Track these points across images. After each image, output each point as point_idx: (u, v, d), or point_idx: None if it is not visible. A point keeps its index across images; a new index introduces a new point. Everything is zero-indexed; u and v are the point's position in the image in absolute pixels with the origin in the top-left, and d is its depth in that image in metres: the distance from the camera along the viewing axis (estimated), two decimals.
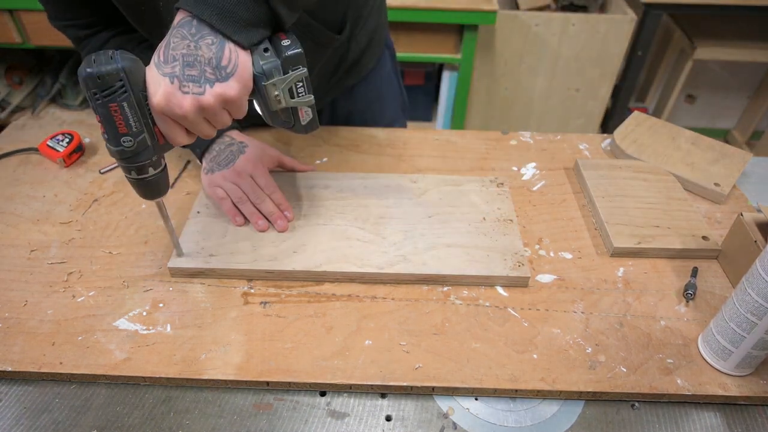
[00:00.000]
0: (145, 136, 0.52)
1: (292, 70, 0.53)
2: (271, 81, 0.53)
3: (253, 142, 0.79)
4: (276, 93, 0.54)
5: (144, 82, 0.51)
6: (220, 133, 0.78)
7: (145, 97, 0.51)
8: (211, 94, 0.50)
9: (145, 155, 0.54)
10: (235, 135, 0.80)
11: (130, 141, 0.52)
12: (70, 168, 0.86)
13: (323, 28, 0.79)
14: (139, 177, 0.55)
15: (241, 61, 0.51)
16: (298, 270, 0.67)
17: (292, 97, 0.55)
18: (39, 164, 0.87)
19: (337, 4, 0.80)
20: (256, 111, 0.59)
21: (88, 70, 0.48)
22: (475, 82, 2.05)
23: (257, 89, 0.54)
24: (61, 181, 0.84)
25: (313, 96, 0.56)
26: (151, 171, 0.56)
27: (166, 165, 0.58)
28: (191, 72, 0.50)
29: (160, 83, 0.50)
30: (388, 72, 1.02)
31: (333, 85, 0.93)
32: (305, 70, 0.54)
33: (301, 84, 0.55)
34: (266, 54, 0.53)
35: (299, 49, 0.53)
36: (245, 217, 0.74)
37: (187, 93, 0.50)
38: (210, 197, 0.76)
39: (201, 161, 0.79)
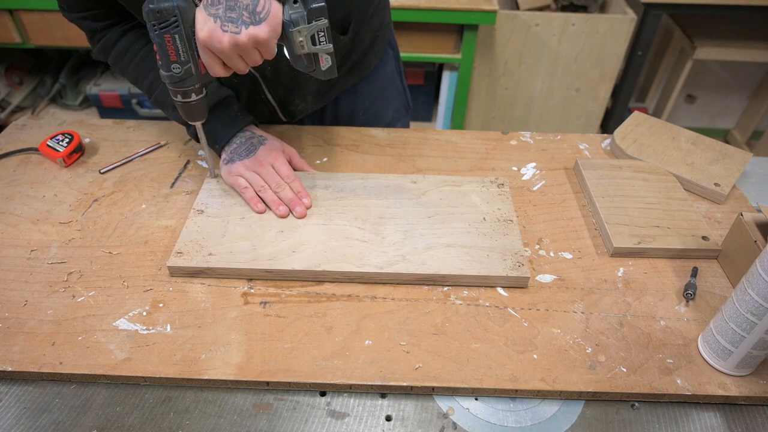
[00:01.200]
0: (191, 65, 0.64)
1: (315, 21, 0.62)
2: (296, 28, 0.62)
3: (271, 136, 0.83)
4: (300, 39, 0.63)
5: (193, 20, 0.61)
6: (242, 126, 0.82)
7: (194, 33, 0.61)
8: (245, 34, 0.59)
9: (189, 82, 0.65)
10: (255, 130, 0.84)
11: (178, 68, 0.64)
12: (70, 168, 0.86)
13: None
14: (184, 101, 0.67)
15: (273, 9, 0.60)
16: (298, 270, 0.67)
17: (314, 44, 0.63)
18: (39, 164, 0.87)
19: (341, 3, 0.81)
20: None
21: (150, 6, 0.59)
22: (475, 82, 2.05)
23: (285, 35, 0.63)
24: (61, 181, 0.84)
25: (332, 45, 0.64)
26: (194, 96, 0.67)
27: (206, 93, 0.70)
28: (231, 14, 0.59)
29: (206, 21, 0.59)
30: (392, 71, 1.03)
31: (336, 83, 0.93)
32: (326, 21, 0.62)
33: (322, 33, 0.63)
34: (295, 5, 0.62)
35: (323, 3, 0.61)
36: (266, 205, 0.76)
37: (226, 32, 0.59)
38: (231, 186, 0.79)
39: (220, 155, 0.82)
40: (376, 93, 1.01)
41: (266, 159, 0.79)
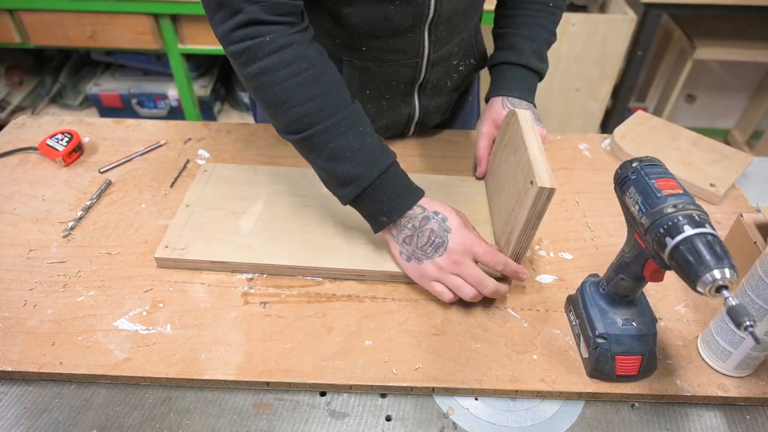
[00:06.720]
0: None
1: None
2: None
3: (447, 209, 0.65)
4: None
5: None
6: (411, 203, 0.64)
7: None
8: None
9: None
10: (425, 203, 0.65)
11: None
12: (69, 167, 0.86)
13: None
14: None
15: None
16: (278, 264, 0.67)
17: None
18: (38, 163, 0.87)
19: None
20: None
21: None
22: None
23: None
24: (60, 180, 0.84)
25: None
26: None
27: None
28: None
29: None
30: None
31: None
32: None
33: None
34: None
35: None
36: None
37: None
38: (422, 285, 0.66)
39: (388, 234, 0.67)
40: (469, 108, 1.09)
41: (464, 252, 0.62)
